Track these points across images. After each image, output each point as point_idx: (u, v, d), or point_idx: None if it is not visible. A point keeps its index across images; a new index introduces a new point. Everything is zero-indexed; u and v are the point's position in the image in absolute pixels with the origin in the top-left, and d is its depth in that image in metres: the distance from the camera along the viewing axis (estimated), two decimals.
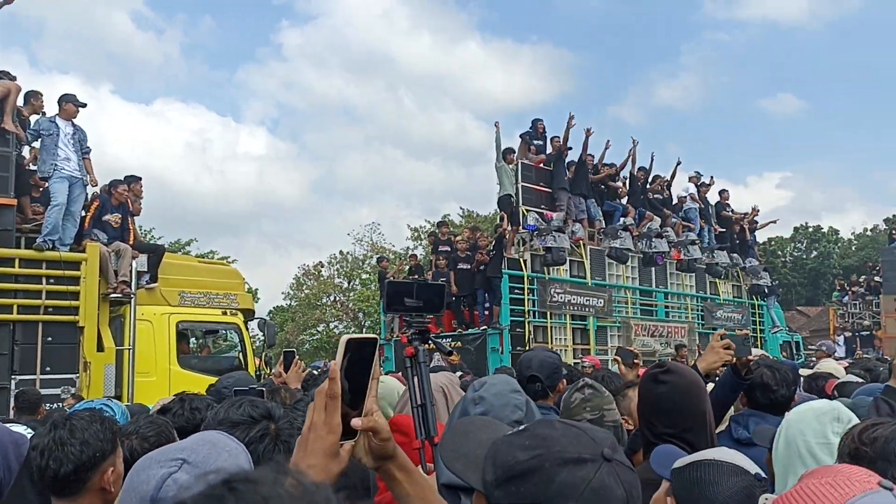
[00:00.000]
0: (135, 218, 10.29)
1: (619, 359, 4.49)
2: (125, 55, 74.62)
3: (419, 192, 75.16)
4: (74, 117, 9.44)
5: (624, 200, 16.83)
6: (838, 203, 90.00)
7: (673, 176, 18.41)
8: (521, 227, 14.52)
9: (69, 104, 9.40)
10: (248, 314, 10.85)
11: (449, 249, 14.97)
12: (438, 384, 2.85)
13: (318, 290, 40.79)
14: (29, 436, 2.50)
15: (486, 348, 13.38)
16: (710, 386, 3.64)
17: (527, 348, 12.81)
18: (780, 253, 58.88)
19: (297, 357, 4.42)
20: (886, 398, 2.62)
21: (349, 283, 41.53)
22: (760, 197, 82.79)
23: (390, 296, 2.30)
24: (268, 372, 10.10)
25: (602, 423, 2.89)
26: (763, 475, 1.64)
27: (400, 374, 3.96)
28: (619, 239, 15.56)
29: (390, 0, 77.90)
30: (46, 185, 9.30)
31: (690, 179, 19.16)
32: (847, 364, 8.11)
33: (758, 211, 20.59)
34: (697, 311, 17.79)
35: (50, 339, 8.57)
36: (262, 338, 11.18)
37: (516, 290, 13.77)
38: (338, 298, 40.75)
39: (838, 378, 4.95)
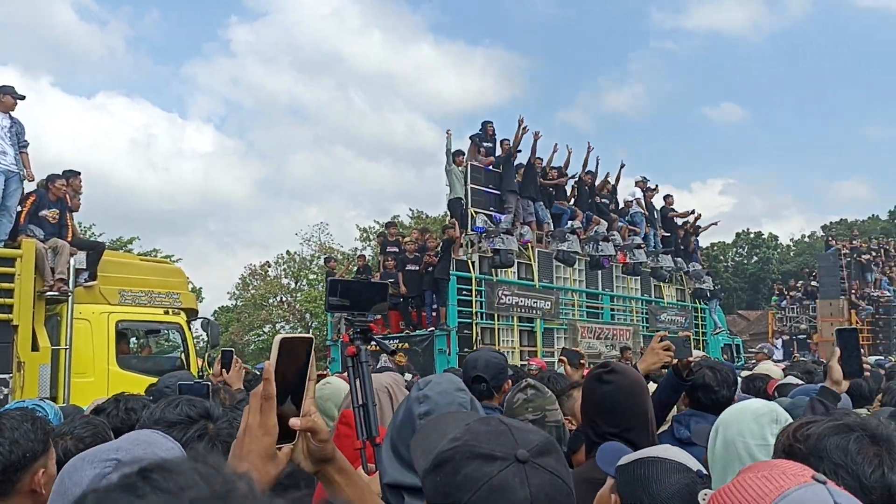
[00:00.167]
0: (73, 214, 10.00)
1: (565, 359, 4.52)
2: (66, 47, 72.66)
3: (369, 193, 74.92)
4: (12, 110, 9.15)
5: (571, 202, 17.02)
6: (778, 210, 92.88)
7: (617, 180, 18.68)
8: (469, 229, 14.57)
9: (6, 96, 9.10)
10: (192, 314, 10.63)
11: (397, 250, 14.95)
12: (383, 384, 2.83)
13: (264, 291, 40.26)
14: None
15: (434, 350, 13.39)
16: (652, 386, 3.70)
17: (474, 350, 12.85)
18: (722, 258, 60.39)
19: (235, 356, 4.31)
20: (821, 398, 2.70)
21: (296, 283, 41.10)
22: (704, 203, 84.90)
23: (332, 294, 2.28)
24: (210, 372, 9.91)
25: (544, 424, 2.91)
26: (705, 472, 1.68)
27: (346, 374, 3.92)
28: (567, 242, 15.74)
29: None
30: None
31: (637, 184, 19.48)
32: (783, 366, 8.34)
33: (699, 215, 21.04)
34: (642, 314, 18.09)
35: None
36: (206, 338, 10.97)
37: (464, 292, 13.81)
38: (284, 299, 40.28)
39: (775, 379, 5.08)
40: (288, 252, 41.58)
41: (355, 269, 18.04)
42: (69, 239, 9.36)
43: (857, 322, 23.58)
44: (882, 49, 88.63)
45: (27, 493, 2.18)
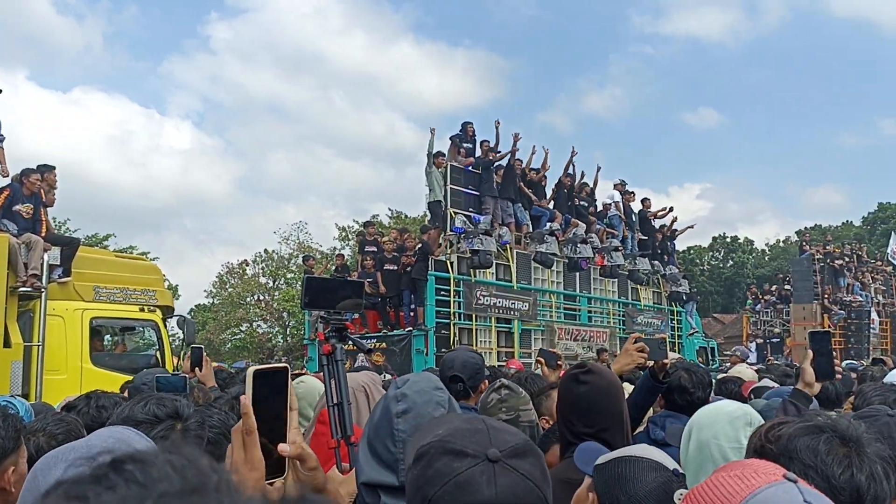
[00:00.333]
0: (48, 209, 9.87)
1: (542, 360, 4.54)
2: (43, 40, 71.73)
3: (348, 192, 74.72)
4: None
5: (551, 205, 17.08)
6: (753, 215, 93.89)
7: (595, 183, 18.77)
8: (448, 230, 14.57)
9: None
10: (168, 311, 10.54)
11: (375, 250, 14.92)
12: (360, 383, 2.82)
13: (241, 289, 39.96)
14: None
15: (411, 350, 13.38)
16: (629, 387, 3.73)
17: (451, 350, 12.86)
18: (698, 261, 60.92)
19: (205, 353, 4.26)
20: (793, 400, 2.73)
21: (274, 282, 40.84)
22: (681, 206, 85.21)
23: (308, 292, 2.26)
24: (184, 370, 9.80)
25: (517, 424, 2.92)
26: (681, 471, 1.70)
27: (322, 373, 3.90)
28: (545, 244, 15.79)
29: None
30: None
31: (615, 187, 19.61)
32: (756, 369, 8.43)
33: (676, 217, 21.22)
34: (619, 316, 18.20)
35: None
36: (182, 336, 10.87)
37: (442, 292, 13.81)
38: (262, 298, 40.02)
39: (749, 381, 5.14)
40: (266, 251, 41.35)
41: (334, 268, 17.96)
42: (43, 234, 9.24)
43: (829, 326, 23.86)
44: (856, 58, 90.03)
45: None
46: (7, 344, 8.42)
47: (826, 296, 25.47)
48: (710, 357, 20.50)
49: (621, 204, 19.02)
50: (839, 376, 3.03)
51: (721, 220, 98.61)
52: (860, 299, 26.62)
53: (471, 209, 15.05)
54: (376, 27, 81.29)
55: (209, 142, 78.47)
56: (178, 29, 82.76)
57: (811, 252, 26.77)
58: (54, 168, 10.17)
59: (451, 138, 15.72)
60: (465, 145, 15.65)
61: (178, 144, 74.02)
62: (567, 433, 2.52)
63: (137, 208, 65.67)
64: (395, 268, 14.11)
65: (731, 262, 62.62)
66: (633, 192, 19.72)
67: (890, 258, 32.18)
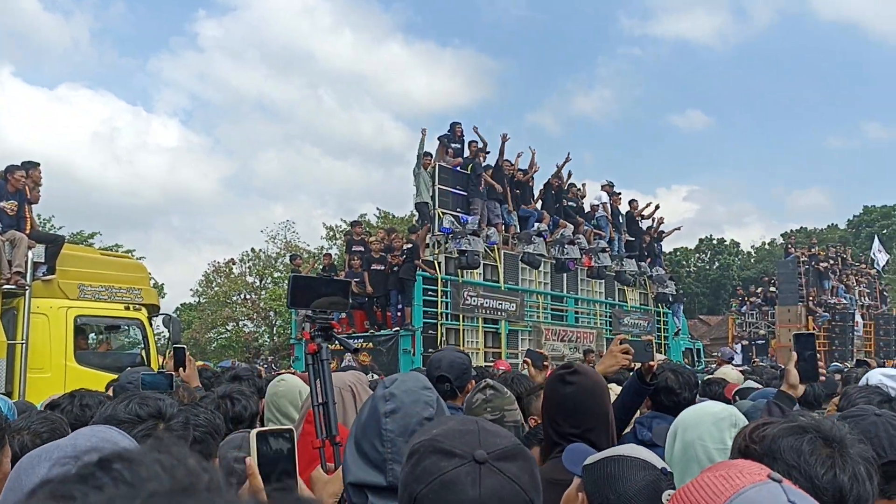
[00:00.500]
0: (32, 206, 9.78)
1: (528, 361, 4.55)
2: (29, 36, 71.16)
3: (336, 192, 74.59)
4: None
5: (538, 205, 17.11)
6: (740, 217, 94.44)
7: (569, 176, 18.49)
8: (436, 230, 14.58)
9: None
10: (153, 310, 10.48)
11: (363, 249, 14.89)
12: (347, 383, 2.81)
13: (228, 288, 39.81)
14: None
15: (399, 350, 13.37)
16: (617, 388, 3.74)
17: (438, 350, 12.86)
18: (684, 263, 61.19)
19: (188, 353, 4.21)
20: (778, 402, 2.75)
21: (261, 281, 40.70)
22: (668, 208, 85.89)
23: (294, 291, 2.26)
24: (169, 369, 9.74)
25: (503, 424, 2.93)
26: (669, 470, 1.71)
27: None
28: (533, 244, 15.81)
29: None
30: None
31: (603, 188, 19.66)
32: (741, 371, 8.49)
33: (662, 219, 21.31)
34: (606, 317, 18.25)
35: None
36: (167, 335, 10.81)
37: (429, 293, 13.80)
38: (249, 297, 39.87)
39: (733, 383, 5.17)
40: (253, 250, 41.24)
41: (321, 267, 17.94)
42: (27, 231, 9.17)
43: (814, 328, 24.02)
44: (843, 61, 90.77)
45: None
46: None
47: (811, 298, 25.65)
48: (695, 358, 20.60)
49: (609, 205, 19.08)
50: (823, 378, 3.06)
51: (708, 222, 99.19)
52: (844, 302, 26.82)
53: (458, 209, 15.06)
54: (365, 26, 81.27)
55: (197, 140, 78.18)
56: (166, 26, 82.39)
57: (796, 255, 26.95)
58: (39, 165, 10.09)
59: (439, 138, 15.72)
60: (453, 145, 15.65)
61: (166, 142, 73.71)
62: (552, 433, 2.53)
63: (124, 206, 65.38)
64: (383, 268, 14.09)
65: (717, 264, 62.95)
66: (620, 194, 19.80)
67: (874, 260, 32.47)
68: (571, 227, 17.06)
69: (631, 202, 20.38)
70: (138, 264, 11.87)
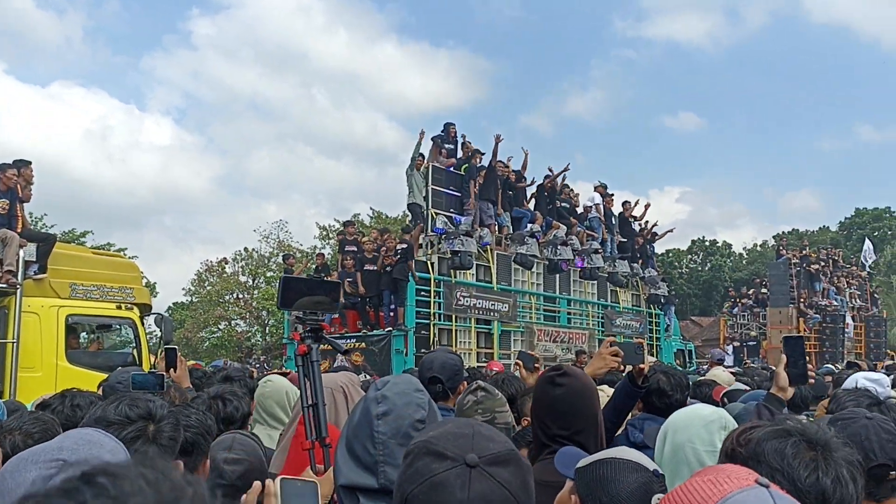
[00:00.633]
0: (24, 205, 9.74)
1: (520, 363, 4.56)
2: (22, 34, 70.89)
3: (329, 192, 74.54)
4: None
5: (531, 205, 17.13)
6: (732, 219, 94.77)
7: (563, 180, 18.57)
8: (429, 231, 14.58)
9: None
10: (145, 309, 10.43)
11: (356, 249, 14.88)
12: (339, 383, 2.81)
13: (220, 287, 39.66)
14: None
15: (391, 350, 13.35)
16: (610, 390, 3.74)
17: (431, 350, 12.85)
18: (677, 264, 61.32)
19: (179, 354, 4.19)
20: (767, 404, 2.76)
21: (254, 280, 40.57)
22: (661, 210, 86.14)
23: (284, 291, 2.26)
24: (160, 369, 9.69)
25: (493, 425, 2.93)
26: (660, 472, 1.72)
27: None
28: (526, 245, 15.83)
29: None
30: None
31: (596, 189, 19.69)
32: (732, 372, 8.51)
33: (656, 222, 21.42)
34: (598, 318, 18.28)
35: None
36: (159, 334, 10.77)
37: (422, 293, 13.80)
38: (241, 296, 39.75)
39: (722, 385, 5.19)
40: (246, 249, 41.09)
41: (314, 267, 17.89)
42: (19, 230, 9.13)
43: (804, 330, 24.11)
44: (835, 64, 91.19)
45: None
46: None
47: (802, 300, 25.76)
48: (687, 359, 20.66)
49: (602, 206, 19.11)
50: (812, 381, 3.07)
51: (700, 223, 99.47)
52: (835, 304, 26.94)
53: (452, 210, 15.06)
54: (359, 26, 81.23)
55: (190, 138, 78.03)
56: (159, 24, 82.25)
57: (788, 256, 27.05)
58: (31, 163, 10.05)
59: (432, 139, 15.71)
60: (446, 146, 15.66)
61: (159, 141, 73.53)
62: (541, 435, 2.53)
63: (116, 204, 65.17)
64: (375, 268, 14.08)
65: (709, 266, 63.11)
66: (613, 195, 19.83)
67: (864, 263, 32.62)
68: (564, 228, 17.08)
69: (624, 204, 20.42)
70: (130, 263, 11.83)
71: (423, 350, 12.95)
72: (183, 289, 43.34)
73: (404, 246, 13.75)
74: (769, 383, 2.99)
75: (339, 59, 78.39)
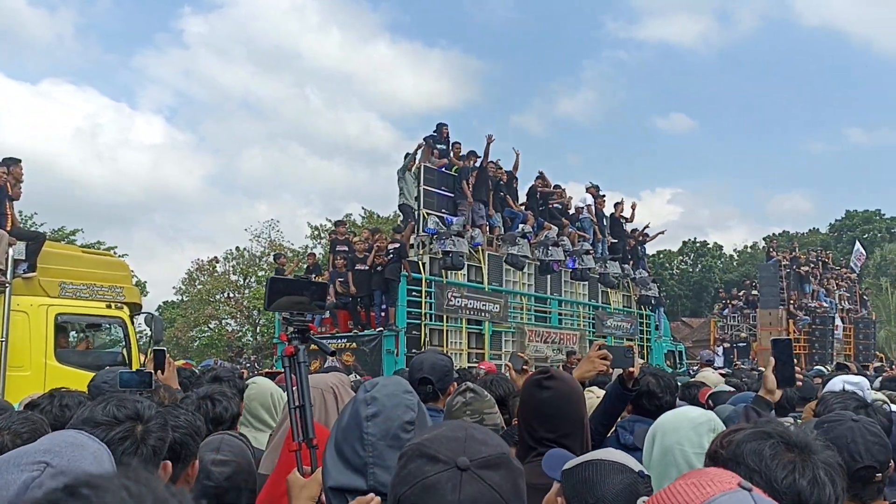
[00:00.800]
0: (13, 203, 9.70)
1: (510, 365, 4.56)
2: (13, 31, 70.53)
3: (321, 191, 74.45)
4: None
5: (522, 207, 17.15)
6: (723, 220, 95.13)
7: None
8: (420, 231, 14.58)
9: None
10: (135, 308, 10.39)
11: (347, 249, 14.86)
12: (329, 384, 2.81)
13: (211, 287, 39.54)
14: None
15: (382, 350, 13.33)
16: (601, 393, 3.75)
17: (422, 351, 12.85)
18: (668, 265, 61.51)
19: (168, 356, 4.16)
20: (755, 406, 2.78)
21: (245, 280, 40.47)
22: (652, 211, 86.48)
23: (271, 292, 2.25)
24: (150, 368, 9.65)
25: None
26: (646, 472, 1.73)
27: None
28: (517, 246, 15.84)
29: None
30: None
31: (588, 190, 19.73)
32: (723, 373, 8.55)
33: (647, 225, 21.52)
34: (589, 319, 18.31)
35: None
36: (149, 333, 10.72)
37: (413, 293, 13.79)
38: (232, 296, 39.64)
39: (709, 386, 5.21)
40: (237, 248, 41.00)
41: (305, 266, 17.86)
42: (8, 228, 9.09)
43: (794, 332, 24.24)
44: (826, 66, 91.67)
45: None
46: None
47: (792, 301, 25.89)
48: (678, 360, 20.72)
49: (593, 207, 19.15)
50: (799, 383, 3.09)
51: (691, 224, 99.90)
52: (825, 305, 27.07)
53: (444, 210, 15.06)
54: (353, 25, 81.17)
55: (181, 137, 77.80)
56: (151, 22, 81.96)
57: (778, 258, 27.19)
58: (20, 161, 10.00)
59: (425, 139, 15.71)
60: (438, 146, 15.66)
61: (150, 139, 73.27)
62: (528, 438, 2.54)
63: (106, 203, 64.91)
64: (367, 268, 14.06)
65: (699, 267, 63.31)
66: (604, 196, 19.88)
67: (854, 265, 32.80)
68: (556, 228, 17.11)
69: (616, 205, 20.47)
70: (120, 262, 11.78)
71: (413, 350, 12.94)
72: (173, 288, 43.22)
73: (397, 245, 13.73)
74: (758, 384, 3.01)
75: (333, 59, 78.45)
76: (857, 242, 37.07)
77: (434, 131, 16.00)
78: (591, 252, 18.05)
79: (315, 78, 79.99)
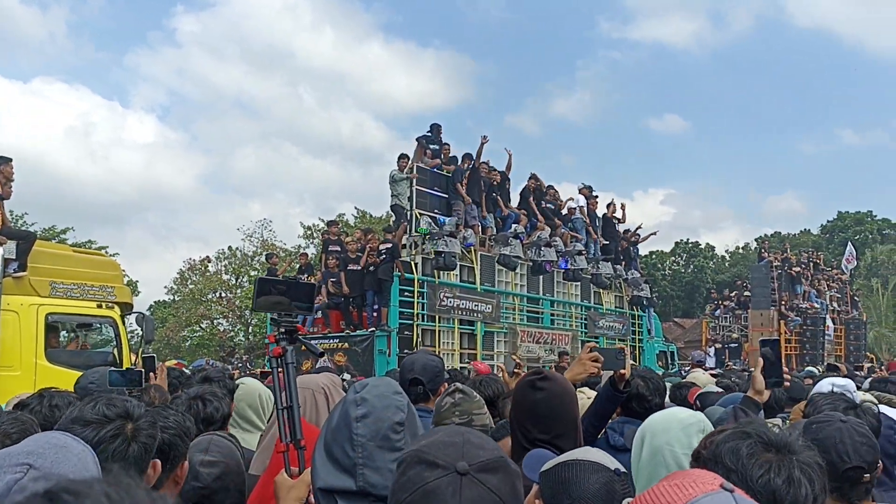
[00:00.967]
0: (4, 202, 9.66)
1: (502, 367, 4.58)
2: (4, 28, 70.19)
3: (314, 191, 74.34)
4: None
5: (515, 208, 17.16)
6: (715, 221, 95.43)
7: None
8: (413, 231, 14.57)
9: None
10: (126, 308, 10.35)
11: (339, 249, 14.84)
12: (320, 385, 2.81)
13: (203, 286, 39.44)
14: None
15: (374, 350, 13.32)
16: (593, 394, 3.76)
17: (414, 351, 12.84)
18: (660, 266, 61.64)
19: (157, 362, 4.13)
20: (744, 407, 2.79)
21: (237, 279, 40.38)
22: (645, 212, 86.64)
23: (259, 293, 2.25)
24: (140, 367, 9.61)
25: (470, 427, 2.95)
26: (623, 470, 1.74)
27: None
28: (510, 246, 15.85)
29: None
30: None
31: (580, 191, 19.76)
32: (714, 374, 8.57)
33: (640, 226, 21.56)
34: (581, 319, 18.34)
35: None
36: (140, 333, 10.68)
37: (406, 293, 13.78)
38: (224, 295, 39.55)
39: (698, 387, 5.23)
40: (229, 248, 40.91)
41: (297, 266, 17.82)
42: None
43: (785, 332, 24.33)
44: (818, 67, 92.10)
45: None
46: None
47: (783, 302, 25.98)
48: (669, 361, 20.76)
49: (586, 208, 19.17)
50: (787, 384, 3.10)
51: (684, 225, 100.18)
52: (816, 306, 27.18)
53: (436, 210, 15.06)
54: (346, 25, 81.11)
55: (174, 136, 77.59)
56: (144, 21, 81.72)
57: (770, 259, 27.28)
58: (10, 159, 9.95)
59: (417, 139, 15.71)
60: (431, 146, 15.65)
61: (142, 138, 73.05)
62: (521, 439, 2.54)
63: (98, 202, 64.70)
64: (359, 268, 14.05)
65: (692, 268, 63.48)
66: (597, 197, 19.93)
67: (845, 266, 32.94)
68: (548, 229, 17.12)
69: (608, 205, 20.51)
70: (111, 261, 11.73)
71: (406, 350, 12.94)
72: (165, 287, 43.12)
73: (389, 246, 13.73)
74: (748, 385, 3.02)
75: (326, 59, 78.37)
76: (850, 244, 37.21)
77: (428, 131, 16.01)
78: (584, 253, 18.08)
79: (308, 77, 79.99)
